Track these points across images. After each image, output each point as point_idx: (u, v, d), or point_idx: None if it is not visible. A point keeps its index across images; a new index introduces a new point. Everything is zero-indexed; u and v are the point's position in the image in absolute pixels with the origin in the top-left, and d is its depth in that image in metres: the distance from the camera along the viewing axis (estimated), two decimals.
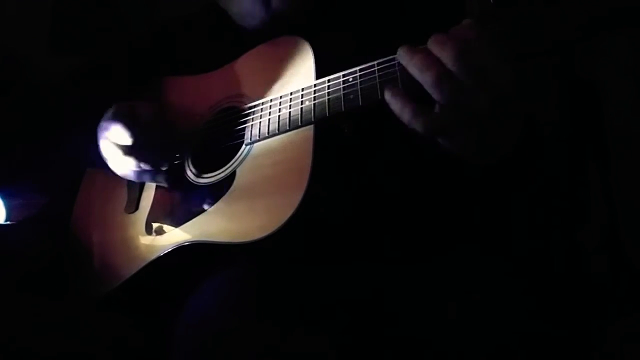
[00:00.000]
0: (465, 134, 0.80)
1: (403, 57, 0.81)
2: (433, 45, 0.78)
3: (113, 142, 1.08)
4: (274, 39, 1.07)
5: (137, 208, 1.16)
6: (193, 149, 1.13)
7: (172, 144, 1.13)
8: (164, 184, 1.12)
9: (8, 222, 1.31)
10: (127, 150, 1.08)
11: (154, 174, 1.11)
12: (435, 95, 0.77)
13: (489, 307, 0.93)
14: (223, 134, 1.08)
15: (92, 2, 1.71)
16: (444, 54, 0.77)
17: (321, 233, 0.96)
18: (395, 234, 1.01)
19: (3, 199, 1.30)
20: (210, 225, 1.02)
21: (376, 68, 0.88)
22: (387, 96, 0.81)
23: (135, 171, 1.10)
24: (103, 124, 1.10)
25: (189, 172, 1.12)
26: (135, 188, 1.18)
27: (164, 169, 1.12)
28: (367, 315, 0.96)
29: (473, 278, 0.96)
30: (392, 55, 0.85)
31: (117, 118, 1.08)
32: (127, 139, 1.06)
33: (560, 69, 1.41)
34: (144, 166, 1.09)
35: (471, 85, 0.76)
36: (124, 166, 1.10)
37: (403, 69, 0.82)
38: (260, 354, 0.85)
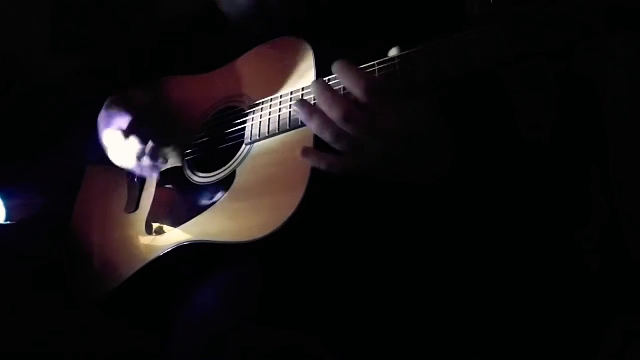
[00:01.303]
0: (379, 169, 0.89)
1: (302, 115, 0.90)
2: (322, 106, 0.87)
3: (115, 128, 1.09)
4: (274, 39, 1.07)
5: (137, 208, 1.16)
6: (193, 149, 1.13)
7: (173, 131, 1.14)
8: (156, 177, 1.12)
9: (8, 222, 1.31)
10: (128, 131, 1.08)
11: (152, 159, 1.10)
12: (337, 148, 0.87)
13: (489, 307, 0.93)
14: (223, 133, 1.08)
15: (92, 3, 1.71)
16: (333, 117, 0.86)
17: (321, 233, 0.96)
18: (395, 235, 1.01)
19: (3, 199, 1.30)
20: (210, 225, 1.02)
21: (376, 68, 0.88)
22: (303, 155, 0.90)
23: (136, 155, 1.09)
24: (101, 115, 1.12)
25: (189, 172, 1.12)
26: (135, 188, 1.18)
27: (168, 157, 1.12)
28: (367, 316, 0.96)
29: (473, 279, 0.96)
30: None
31: (115, 104, 1.11)
32: (126, 120, 1.08)
33: (559, 68, 1.41)
34: (143, 147, 1.08)
35: (363, 137, 0.85)
36: (124, 152, 1.10)
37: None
38: (260, 354, 0.85)
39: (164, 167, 1.14)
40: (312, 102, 0.92)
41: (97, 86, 1.26)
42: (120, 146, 1.09)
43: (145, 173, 1.12)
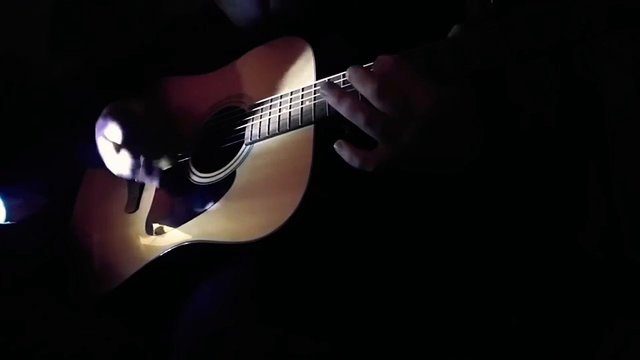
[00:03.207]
0: (414, 157, 0.84)
1: (331, 99, 0.85)
2: (356, 83, 0.83)
3: (108, 139, 1.09)
4: (274, 39, 1.07)
5: (137, 208, 1.16)
6: (193, 149, 1.13)
7: (168, 143, 1.14)
8: (157, 184, 1.12)
9: (8, 222, 1.31)
10: (120, 146, 1.09)
11: (147, 171, 1.11)
12: (370, 134, 0.83)
13: (488, 307, 0.93)
14: (223, 133, 1.08)
15: (92, 3, 1.71)
16: (366, 92, 0.81)
17: (321, 233, 0.96)
18: (394, 235, 1.01)
19: (3, 199, 1.30)
20: (210, 225, 1.02)
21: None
22: (337, 150, 0.86)
23: (128, 167, 1.10)
24: (99, 122, 1.12)
25: (189, 172, 1.12)
26: (135, 188, 1.18)
27: (162, 167, 1.12)
28: (366, 316, 0.96)
29: (472, 279, 0.96)
30: (392, 54, 0.86)
31: (111, 115, 1.10)
32: (118, 135, 1.08)
33: (560, 69, 1.41)
34: (135, 162, 1.09)
35: (398, 117, 0.80)
36: (118, 163, 1.10)
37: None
38: (260, 354, 0.85)
39: (164, 168, 1.14)
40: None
41: (97, 86, 1.26)
42: (114, 157, 1.10)
43: (143, 181, 1.13)
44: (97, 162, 1.13)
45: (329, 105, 0.92)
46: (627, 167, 1.43)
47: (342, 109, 0.84)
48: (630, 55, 1.43)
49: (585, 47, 1.36)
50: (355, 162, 0.84)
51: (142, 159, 1.09)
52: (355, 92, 0.84)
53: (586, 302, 1.05)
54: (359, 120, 0.82)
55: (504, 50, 0.78)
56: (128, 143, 1.08)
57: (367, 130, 0.83)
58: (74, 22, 1.66)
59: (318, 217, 0.93)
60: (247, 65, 1.11)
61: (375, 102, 0.81)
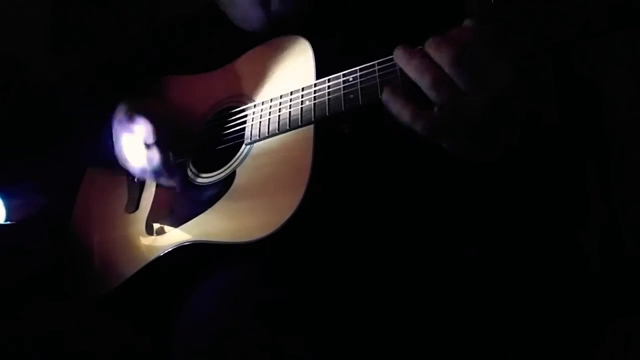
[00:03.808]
0: (464, 135, 0.80)
1: (400, 59, 0.81)
2: (430, 48, 0.78)
3: (135, 138, 1.09)
4: (274, 39, 1.07)
5: (137, 208, 1.16)
6: (193, 149, 1.13)
7: (183, 139, 1.14)
8: (178, 184, 1.11)
9: (8, 222, 1.31)
10: (151, 146, 1.08)
11: (171, 172, 1.10)
12: (433, 98, 0.78)
13: (488, 307, 0.93)
14: (223, 133, 1.08)
15: (92, 3, 1.71)
16: (441, 58, 0.77)
17: (321, 233, 0.96)
18: (394, 234, 1.01)
19: (3, 199, 1.30)
20: (210, 225, 1.02)
21: (376, 68, 0.88)
22: (386, 96, 0.81)
23: (158, 166, 1.09)
24: (121, 118, 1.11)
25: (189, 172, 1.12)
26: (135, 188, 1.18)
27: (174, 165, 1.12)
28: (368, 316, 0.96)
29: (472, 278, 0.96)
30: (392, 55, 0.85)
31: (139, 112, 1.10)
32: (150, 133, 1.07)
33: (559, 68, 1.41)
34: (165, 160, 1.08)
35: (469, 88, 0.76)
36: (145, 161, 1.10)
37: (402, 69, 0.82)
38: (260, 354, 0.85)
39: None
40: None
41: (97, 86, 1.26)
42: (140, 153, 1.10)
43: (163, 180, 1.12)
44: (98, 161, 1.13)
45: (329, 104, 0.92)
46: (627, 167, 1.44)
47: (411, 67, 0.78)
48: (630, 55, 1.43)
49: (585, 47, 1.36)
50: (404, 115, 0.78)
51: (170, 156, 1.09)
52: (425, 54, 0.79)
53: (586, 302, 1.05)
54: (424, 81, 0.77)
55: (501, 52, 0.78)
56: (159, 141, 1.08)
57: (432, 93, 0.77)
58: (74, 22, 1.66)
59: (318, 217, 0.93)
60: (247, 65, 1.11)
61: (449, 69, 0.76)
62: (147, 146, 1.09)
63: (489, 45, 0.76)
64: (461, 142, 0.81)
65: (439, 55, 0.77)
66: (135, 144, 1.10)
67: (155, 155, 1.08)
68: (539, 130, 0.96)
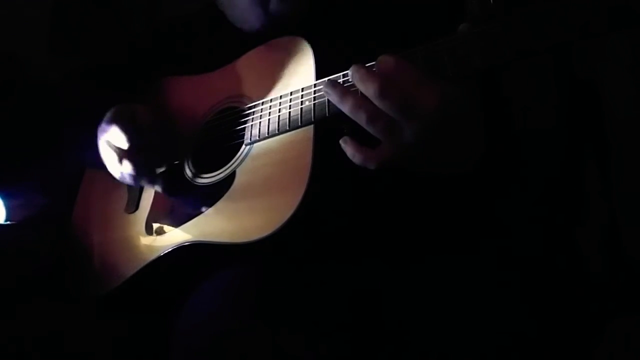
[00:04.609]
0: (417, 157, 0.84)
1: (334, 97, 0.85)
2: (358, 82, 0.82)
3: (112, 144, 1.08)
4: (274, 39, 1.07)
5: (137, 208, 1.16)
6: (193, 150, 1.13)
7: (172, 150, 1.13)
8: (159, 190, 1.11)
9: (8, 222, 1.31)
10: (124, 154, 1.07)
11: (149, 179, 1.10)
12: (372, 132, 0.82)
13: (487, 307, 0.93)
14: (223, 134, 1.08)
15: (92, 3, 1.71)
16: (368, 92, 0.81)
17: (321, 233, 0.96)
18: (393, 234, 1.01)
19: (3, 199, 1.31)
20: (210, 226, 1.02)
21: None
22: (342, 145, 0.86)
23: (131, 175, 1.09)
24: (102, 125, 1.10)
25: (188, 173, 1.12)
26: (135, 188, 1.18)
27: (160, 171, 1.11)
28: (367, 316, 0.96)
29: (471, 278, 0.96)
30: (393, 54, 0.85)
31: (116, 120, 1.08)
32: (124, 142, 1.06)
33: (559, 68, 1.41)
34: (139, 170, 1.08)
35: (400, 117, 0.80)
36: (120, 169, 1.09)
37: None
38: (260, 354, 0.85)
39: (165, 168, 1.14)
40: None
41: (96, 86, 1.26)
42: (116, 162, 1.09)
43: (145, 186, 1.13)
44: (98, 162, 1.13)
45: (328, 105, 0.92)
46: (627, 167, 1.43)
47: (345, 108, 0.84)
48: (631, 55, 1.43)
49: (585, 47, 1.36)
50: (357, 159, 0.84)
51: (144, 168, 1.08)
52: (358, 90, 0.83)
53: (586, 302, 1.05)
54: (361, 119, 0.82)
55: (504, 50, 0.78)
56: (132, 152, 1.07)
57: (370, 129, 0.82)
58: (74, 22, 1.66)
59: (318, 217, 0.93)
60: (247, 66, 1.11)
61: (377, 102, 0.80)
62: (121, 156, 1.08)
63: (412, 71, 0.80)
64: (415, 164, 0.86)
65: (365, 89, 0.81)
66: (111, 151, 1.09)
67: (127, 164, 1.07)
68: (508, 134, 0.98)
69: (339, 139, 0.86)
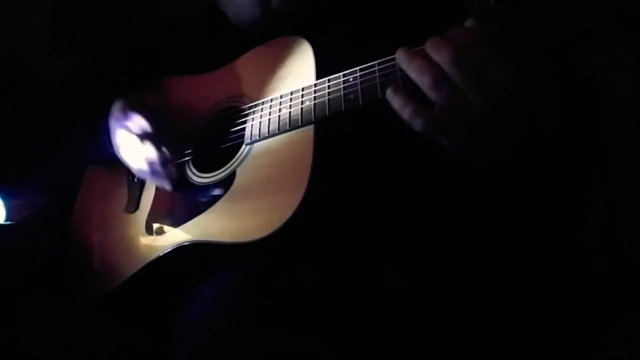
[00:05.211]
0: (464, 134, 0.81)
1: (402, 60, 0.82)
2: (430, 48, 0.79)
3: (132, 130, 1.08)
4: (274, 39, 1.07)
5: (137, 208, 1.16)
6: (193, 149, 1.13)
7: (182, 139, 1.13)
8: (171, 185, 1.10)
9: (8, 222, 1.31)
10: (148, 137, 1.07)
11: (166, 171, 1.09)
12: (433, 98, 0.79)
13: (488, 307, 0.93)
14: (223, 134, 1.08)
15: (92, 3, 1.71)
16: (441, 58, 0.78)
17: (321, 233, 0.96)
18: (394, 234, 1.01)
19: (3, 199, 1.30)
20: (210, 225, 1.02)
21: (376, 68, 0.88)
22: (389, 94, 0.82)
23: (154, 162, 1.08)
24: (116, 114, 1.11)
25: (189, 172, 1.12)
26: (135, 188, 1.18)
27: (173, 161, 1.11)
28: (368, 316, 0.96)
29: (472, 278, 0.96)
30: (392, 55, 0.86)
31: (132, 107, 1.09)
32: (146, 126, 1.07)
33: (560, 68, 1.41)
34: (163, 154, 1.07)
35: (468, 88, 0.77)
36: (143, 154, 1.08)
37: (402, 69, 0.83)
38: (260, 354, 0.85)
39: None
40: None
41: (97, 86, 1.26)
42: (135, 149, 1.09)
43: (158, 180, 1.10)
44: (98, 162, 1.13)
45: (329, 104, 0.92)
46: (627, 167, 1.44)
47: (411, 67, 0.80)
48: (630, 55, 1.43)
49: (585, 47, 1.36)
50: (407, 112, 0.80)
51: (166, 151, 1.08)
52: (426, 54, 0.80)
53: (587, 302, 1.05)
54: (424, 81, 0.79)
55: (501, 52, 0.78)
56: (156, 133, 1.07)
57: (431, 93, 0.79)
58: (74, 22, 1.66)
59: (318, 217, 0.93)
60: (247, 65, 1.11)
61: (449, 68, 0.77)
62: (142, 141, 1.08)
63: (489, 45, 0.77)
64: (460, 141, 0.82)
65: (439, 55, 0.78)
66: (131, 140, 1.09)
67: (150, 150, 1.07)
68: (539, 131, 0.96)
69: (384, 96, 0.82)
